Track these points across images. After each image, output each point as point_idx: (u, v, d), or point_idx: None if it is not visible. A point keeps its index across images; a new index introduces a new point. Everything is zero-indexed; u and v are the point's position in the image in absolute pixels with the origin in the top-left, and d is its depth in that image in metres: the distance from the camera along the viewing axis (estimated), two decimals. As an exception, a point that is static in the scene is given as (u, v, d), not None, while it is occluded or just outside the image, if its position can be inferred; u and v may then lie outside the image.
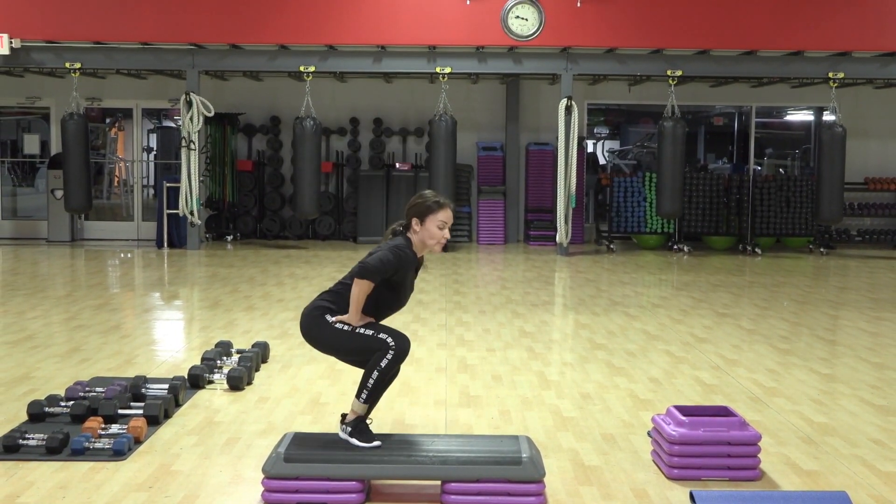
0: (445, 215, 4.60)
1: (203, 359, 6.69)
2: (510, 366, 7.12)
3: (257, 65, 14.76)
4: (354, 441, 4.53)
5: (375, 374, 4.49)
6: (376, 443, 4.53)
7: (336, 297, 4.63)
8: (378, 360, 4.48)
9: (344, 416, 4.64)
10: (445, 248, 4.62)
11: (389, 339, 4.49)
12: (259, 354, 6.94)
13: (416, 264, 4.67)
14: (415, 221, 4.60)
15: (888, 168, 16.87)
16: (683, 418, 4.67)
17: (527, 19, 13.98)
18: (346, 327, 4.54)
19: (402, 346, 4.51)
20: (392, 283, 4.58)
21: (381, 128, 16.64)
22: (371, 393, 4.53)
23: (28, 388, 6.27)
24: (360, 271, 4.46)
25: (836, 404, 6.12)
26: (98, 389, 5.90)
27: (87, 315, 9.02)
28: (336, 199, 16.36)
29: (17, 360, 7.10)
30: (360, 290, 4.48)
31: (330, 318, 4.57)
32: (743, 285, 11.75)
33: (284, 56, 14.55)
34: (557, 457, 4.99)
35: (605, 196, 16.13)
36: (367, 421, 4.59)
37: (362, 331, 4.52)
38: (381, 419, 5.64)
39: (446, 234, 4.61)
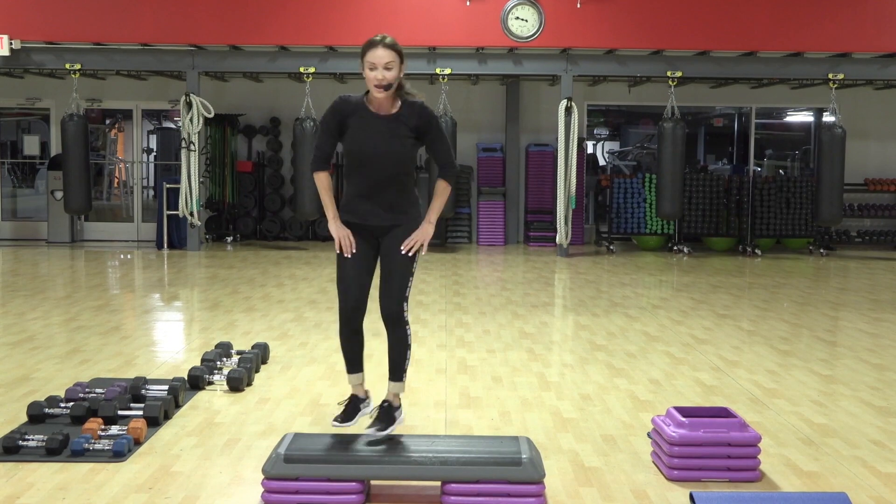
0: (373, 55, 4.36)
1: (203, 360, 6.68)
2: (510, 367, 7.12)
3: (257, 66, 14.77)
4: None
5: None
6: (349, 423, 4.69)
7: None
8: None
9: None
10: (388, 88, 4.36)
11: (340, 299, 4.55)
12: (259, 356, 6.94)
13: (360, 108, 4.45)
14: (360, 66, 4.44)
15: (888, 169, 16.87)
16: (683, 419, 4.67)
17: (527, 20, 13.99)
18: (337, 255, 4.59)
19: (344, 307, 4.56)
20: (343, 132, 4.47)
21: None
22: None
23: (28, 389, 6.27)
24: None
25: (836, 405, 6.12)
26: (98, 390, 5.90)
27: (87, 316, 9.02)
28: (336, 200, 16.32)
29: (17, 361, 7.10)
30: (317, 184, 4.57)
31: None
32: (743, 286, 11.75)
33: (284, 57, 14.56)
34: (557, 458, 4.99)
35: (605, 197, 16.13)
36: (345, 400, 4.79)
37: (338, 267, 4.59)
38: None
39: (378, 74, 4.34)
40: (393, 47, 4.39)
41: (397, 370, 4.69)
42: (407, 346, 4.64)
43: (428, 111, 4.52)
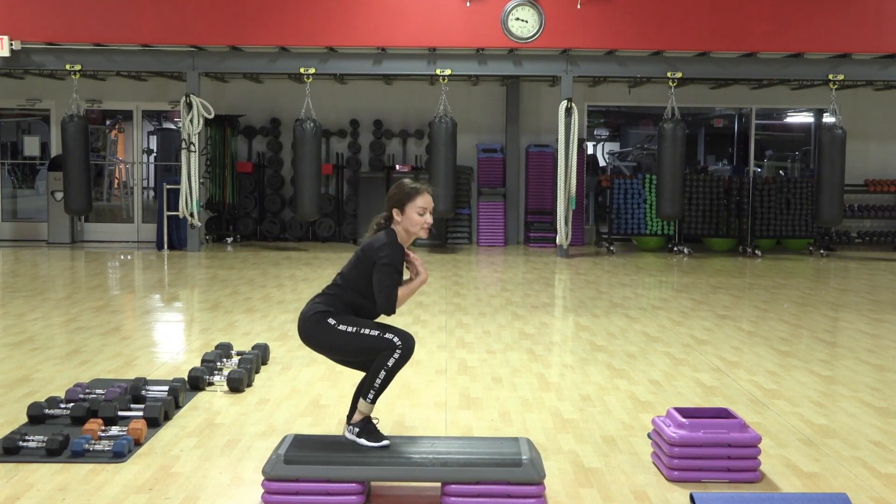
0: (424, 201, 4.53)
1: (203, 361, 6.69)
2: (510, 368, 7.12)
3: (257, 67, 14.77)
4: (363, 441, 4.51)
5: (383, 373, 4.45)
6: (385, 441, 4.52)
7: (332, 300, 4.57)
8: (385, 359, 4.44)
9: (349, 417, 4.64)
10: (432, 233, 4.51)
11: (396, 339, 4.46)
12: (259, 356, 6.94)
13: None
14: (395, 212, 4.56)
15: (888, 170, 16.87)
16: (683, 420, 4.67)
17: (527, 21, 13.99)
18: (350, 329, 4.49)
19: (409, 344, 4.48)
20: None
21: (381, 130, 16.64)
22: (377, 393, 4.50)
23: (28, 390, 6.27)
24: (384, 267, 4.44)
25: (836, 406, 6.12)
26: (98, 391, 5.90)
27: (88, 317, 9.02)
28: (336, 200, 16.36)
29: (18, 361, 7.10)
30: (395, 304, 4.48)
31: (332, 321, 4.51)
32: (743, 287, 11.74)
33: (284, 58, 14.56)
34: (557, 459, 4.99)
35: (606, 198, 16.13)
36: (374, 420, 4.59)
37: (367, 331, 4.48)
38: (381, 421, 5.64)
39: (428, 218, 4.53)
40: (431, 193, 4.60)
41: (366, 388, 4.62)
42: (382, 366, 4.53)
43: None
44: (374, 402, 4.53)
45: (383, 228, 4.62)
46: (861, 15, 14.04)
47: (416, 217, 4.52)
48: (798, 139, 19.58)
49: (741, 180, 15.81)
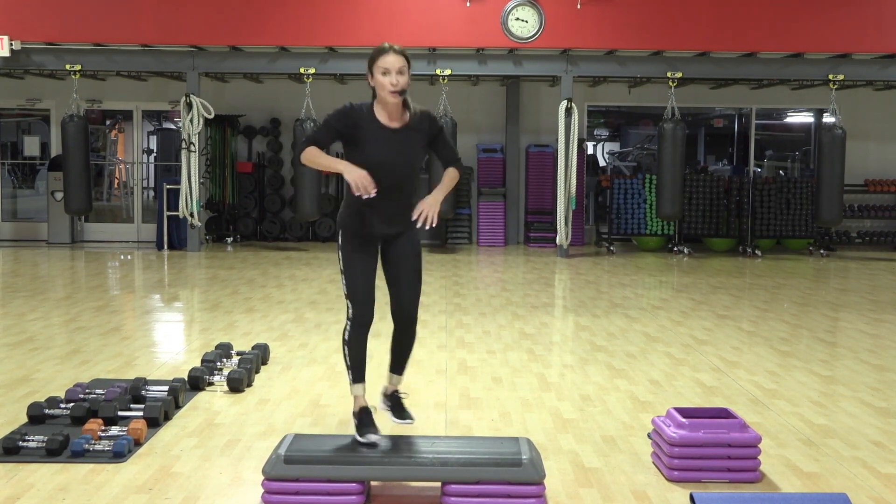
0: (385, 61, 4.41)
1: (203, 361, 6.69)
2: (510, 368, 7.12)
3: (257, 67, 14.78)
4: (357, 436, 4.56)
5: (343, 347, 4.61)
6: (371, 438, 4.48)
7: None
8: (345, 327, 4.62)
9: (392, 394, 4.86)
10: (402, 93, 4.41)
11: (350, 308, 4.54)
12: (259, 356, 6.94)
13: (369, 117, 4.48)
14: (368, 77, 4.50)
15: (888, 170, 16.87)
16: (683, 420, 4.67)
17: (527, 21, 13.99)
18: (340, 264, 4.60)
19: (356, 320, 4.54)
20: (350, 141, 4.47)
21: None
22: (347, 368, 4.62)
23: (28, 389, 6.27)
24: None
25: (836, 406, 6.12)
26: (98, 391, 5.90)
27: (88, 317, 9.02)
28: (336, 200, 16.35)
29: (18, 361, 7.10)
30: (310, 155, 4.44)
31: (339, 241, 4.62)
32: (743, 287, 11.75)
33: (284, 58, 14.56)
34: (557, 458, 4.99)
35: (606, 198, 16.14)
36: (371, 408, 4.70)
37: (343, 276, 4.58)
38: (382, 421, 5.64)
39: (392, 79, 4.39)
40: (403, 53, 4.46)
41: (403, 365, 4.88)
42: (413, 344, 4.87)
43: (437, 118, 4.68)
44: (351, 380, 4.64)
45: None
46: (861, 15, 14.04)
47: (380, 77, 4.43)
48: (798, 139, 19.58)
49: (741, 180, 15.81)
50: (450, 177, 4.70)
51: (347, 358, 4.61)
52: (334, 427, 5.50)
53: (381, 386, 5.03)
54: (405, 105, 4.53)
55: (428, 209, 4.54)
